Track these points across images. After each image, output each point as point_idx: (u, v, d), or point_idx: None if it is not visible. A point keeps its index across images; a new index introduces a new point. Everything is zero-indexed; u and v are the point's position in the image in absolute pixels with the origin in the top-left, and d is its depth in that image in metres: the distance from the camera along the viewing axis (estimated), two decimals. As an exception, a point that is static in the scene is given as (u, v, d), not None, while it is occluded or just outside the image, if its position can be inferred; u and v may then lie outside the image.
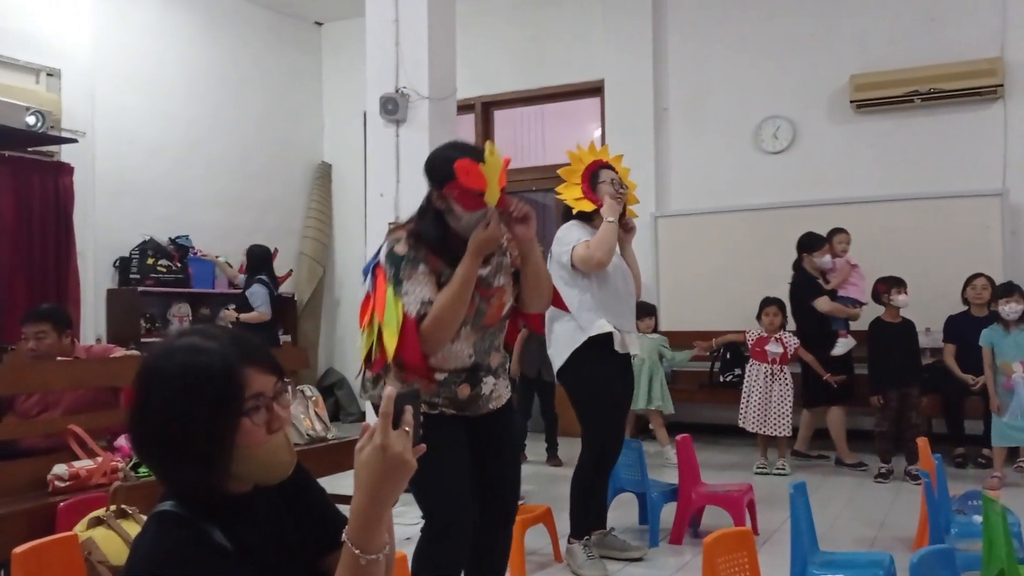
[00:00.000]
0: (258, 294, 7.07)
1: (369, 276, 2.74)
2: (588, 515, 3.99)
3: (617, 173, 3.98)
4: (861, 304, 6.36)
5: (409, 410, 1.34)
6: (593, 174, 3.93)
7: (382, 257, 2.69)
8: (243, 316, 7.04)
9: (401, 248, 2.63)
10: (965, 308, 6.33)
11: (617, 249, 3.88)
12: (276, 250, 8.68)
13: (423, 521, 2.72)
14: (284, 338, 8.50)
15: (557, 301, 3.08)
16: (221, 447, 1.34)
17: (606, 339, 3.82)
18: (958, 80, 6.91)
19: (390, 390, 1.32)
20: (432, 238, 2.64)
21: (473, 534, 2.71)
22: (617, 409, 3.99)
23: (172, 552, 1.31)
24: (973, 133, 7.03)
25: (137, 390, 1.38)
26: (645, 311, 6.55)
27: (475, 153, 2.63)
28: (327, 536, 1.55)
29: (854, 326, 6.34)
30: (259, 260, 7.28)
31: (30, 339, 3.97)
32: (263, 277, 7.15)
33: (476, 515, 2.72)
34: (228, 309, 7.28)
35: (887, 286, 5.99)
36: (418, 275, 2.60)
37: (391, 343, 2.57)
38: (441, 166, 2.63)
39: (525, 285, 2.81)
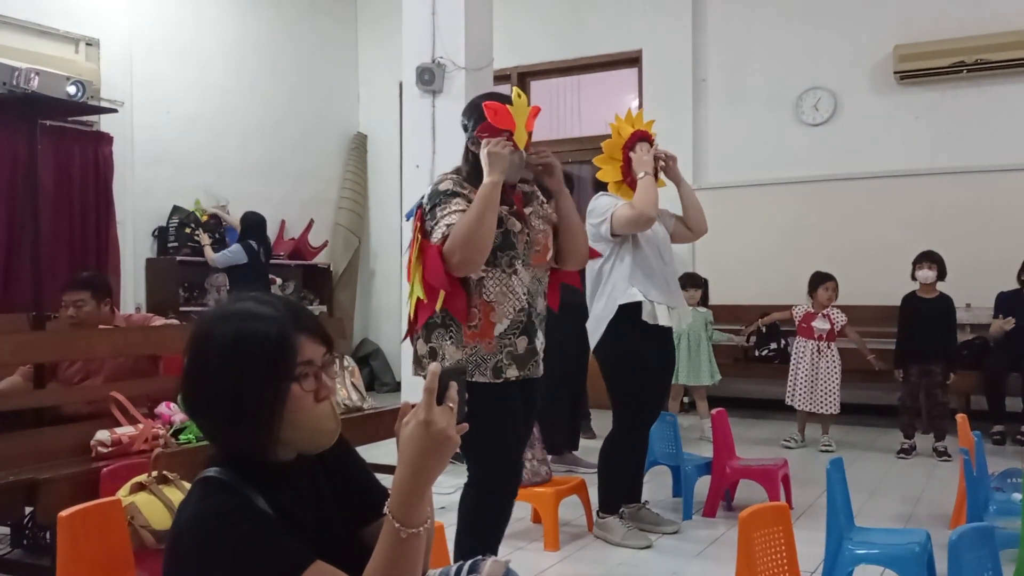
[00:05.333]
0: (230, 248, 7.24)
1: (412, 220, 2.79)
2: (617, 489, 3.99)
3: (652, 143, 3.92)
4: None
5: (454, 386, 1.35)
6: (632, 147, 3.86)
7: (425, 198, 2.76)
8: (207, 252, 7.23)
9: (445, 185, 2.72)
10: (1018, 287, 6.23)
11: (656, 222, 3.85)
12: (312, 221, 8.76)
13: (465, 482, 2.82)
14: (320, 308, 8.58)
15: (591, 254, 3.14)
16: (271, 411, 1.37)
17: (638, 310, 3.79)
18: (1006, 51, 6.76)
19: (435, 366, 1.35)
20: (473, 178, 2.73)
21: None
22: (648, 382, 3.91)
23: (215, 515, 1.34)
24: (1021, 105, 6.87)
25: (191, 352, 1.42)
26: (692, 282, 6.47)
27: (506, 99, 2.78)
28: (367, 507, 1.57)
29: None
30: (250, 225, 7.37)
31: (69, 307, 4.02)
32: (251, 242, 7.24)
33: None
34: (207, 243, 7.39)
35: (915, 261, 5.92)
36: (451, 205, 2.65)
37: (419, 286, 2.65)
38: (474, 109, 2.78)
39: (561, 238, 2.87)
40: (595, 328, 3.90)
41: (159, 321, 4.35)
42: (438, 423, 1.31)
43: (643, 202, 3.66)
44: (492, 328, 2.69)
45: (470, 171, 2.76)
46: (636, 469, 4.13)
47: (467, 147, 2.81)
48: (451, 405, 1.34)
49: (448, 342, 2.71)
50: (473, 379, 2.67)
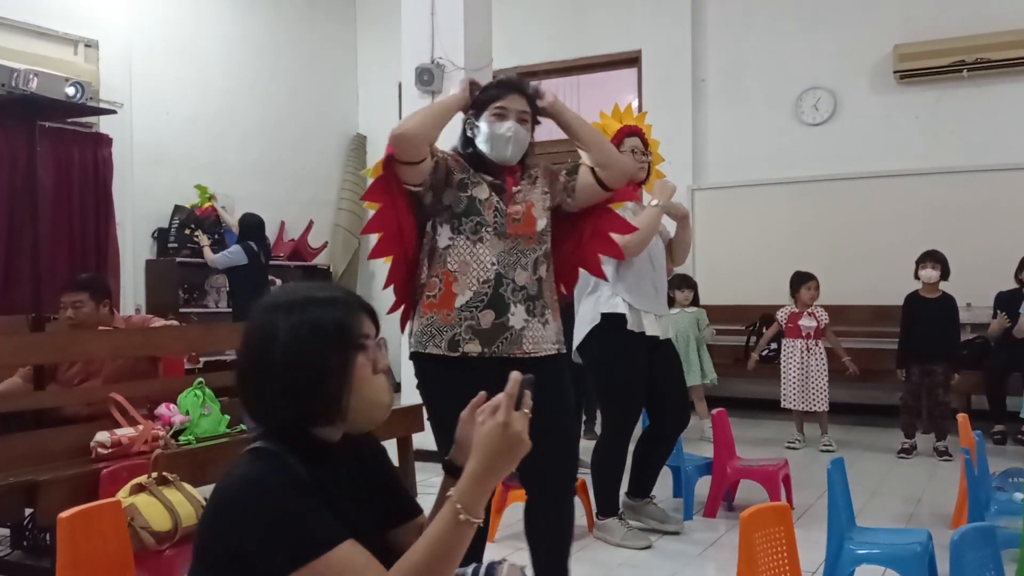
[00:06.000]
0: (229, 249, 7.29)
1: None
2: (612, 491, 3.96)
3: (642, 138, 3.88)
4: None
5: (528, 394, 1.45)
6: (618, 145, 3.80)
7: None
8: (206, 253, 7.31)
9: None
10: (1017, 287, 6.22)
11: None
12: (312, 222, 8.75)
13: None
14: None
15: (619, 226, 2.97)
16: (341, 378, 1.46)
17: (623, 318, 3.76)
18: (1006, 50, 6.76)
19: (516, 373, 1.45)
20: (462, 149, 2.72)
21: (528, 508, 2.69)
22: (632, 389, 3.86)
23: (263, 478, 1.38)
24: (1021, 104, 6.87)
25: (257, 331, 1.48)
26: (685, 283, 6.47)
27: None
28: (395, 510, 1.63)
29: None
30: (249, 226, 7.41)
31: (68, 308, 4.02)
32: (251, 243, 7.27)
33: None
34: (206, 244, 7.42)
35: (918, 261, 5.91)
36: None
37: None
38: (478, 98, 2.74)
39: (585, 152, 2.75)
40: (579, 329, 3.88)
41: (159, 322, 4.35)
42: (515, 426, 1.41)
43: (636, 242, 3.58)
44: (453, 299, 2.56)
45: (460, 147, 2.74)
46: (652, 466, 4.11)
47: (463, 132, 2.77)
48: (527, 411, 1.44)
49: (415, 315, 2.65)
50: (426, 350, 2.57)
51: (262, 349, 1.46)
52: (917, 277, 5.92)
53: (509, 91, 2.68)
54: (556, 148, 8.38)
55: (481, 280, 2.57)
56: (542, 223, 2.68)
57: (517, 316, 2.59)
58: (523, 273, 2.62)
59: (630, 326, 3.76)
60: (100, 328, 3.96)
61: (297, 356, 1.44)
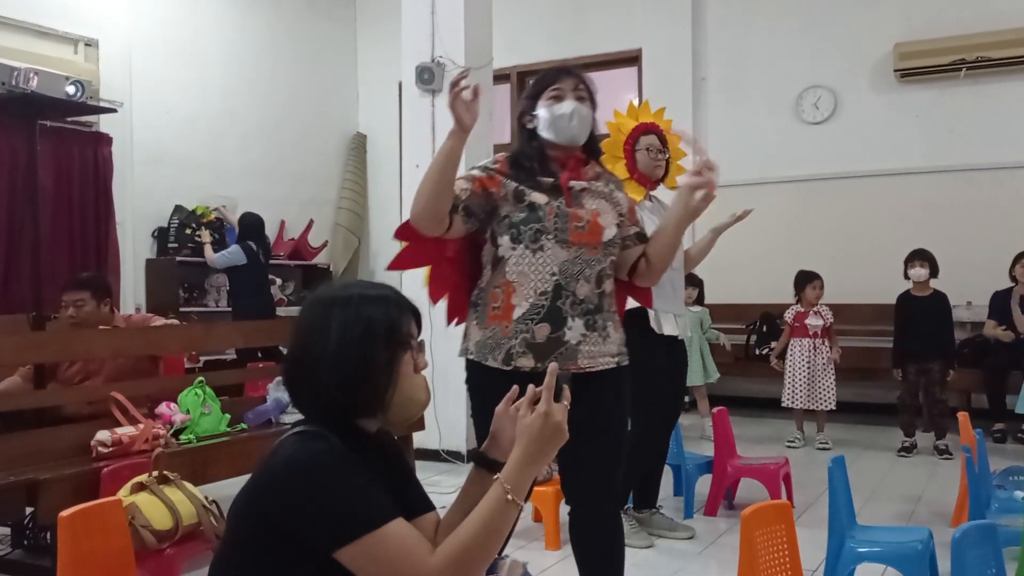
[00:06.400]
0: (228, 249, 7.28)
1: None
2: (622, 488, 3.95)
3: (659, 135, 3.84)
4: None
5: (566, 387, 1.55)
6: (634, 143, 3.80)
7: None
8: (207, 252, 7.27)
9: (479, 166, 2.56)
10: (1012, 285, 6.22)
11: None
12: (312, 221, 8.75)
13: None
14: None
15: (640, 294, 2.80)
16: (388, 373, 1.54)
17: (644, 317, 3.71)
18: (1006, 48, 6.76)
19: (554, 366, 1.54)
20: (524, 152, 2.56)
21: (572, 525, 2.63)
22: (655, 388, 3.80)
23: (317, 455, 1.42)
24: (1021, 103, 6.87)
25: (311, 324, 1.54)
26: (689, 281, 6.43)
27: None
28: (410, 503, 1.66)
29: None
30: (248, 226, 7.40)
31: (69, 307, 4.01)
32: (250, 243, 7.27)
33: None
34: (207, 241, 7.40)
35: (907, 260, 5.90)
36: (458, 178, 2.44)
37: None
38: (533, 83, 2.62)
39: (653, 243, 2.60)
40: None
41: (159, 321, 4.35)
42: (555, 416, 1.51)
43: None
44: (512, 311, 2.43)
45: (521, 149, 2.58)
46: (652, 474, 4.08)
47: (521, 126, 2.61)
48: (565, 403, 1.53)
49: (474, 322, 2.54)
50: (486, 363, 2.47)
51: (315, 341, 1.52)
52: (907, 276, 5.91)
53: (559, 74, 2.60)
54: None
55: (538, 292, 2.43)
56: (610, 233, 2.50)
57: (574, 330, 2.45)
58: (585, 285, 2.46)
59: (651, 325, 3.74)
60: (101, 327, 3.96)
61: (349, 350, 1.51)
